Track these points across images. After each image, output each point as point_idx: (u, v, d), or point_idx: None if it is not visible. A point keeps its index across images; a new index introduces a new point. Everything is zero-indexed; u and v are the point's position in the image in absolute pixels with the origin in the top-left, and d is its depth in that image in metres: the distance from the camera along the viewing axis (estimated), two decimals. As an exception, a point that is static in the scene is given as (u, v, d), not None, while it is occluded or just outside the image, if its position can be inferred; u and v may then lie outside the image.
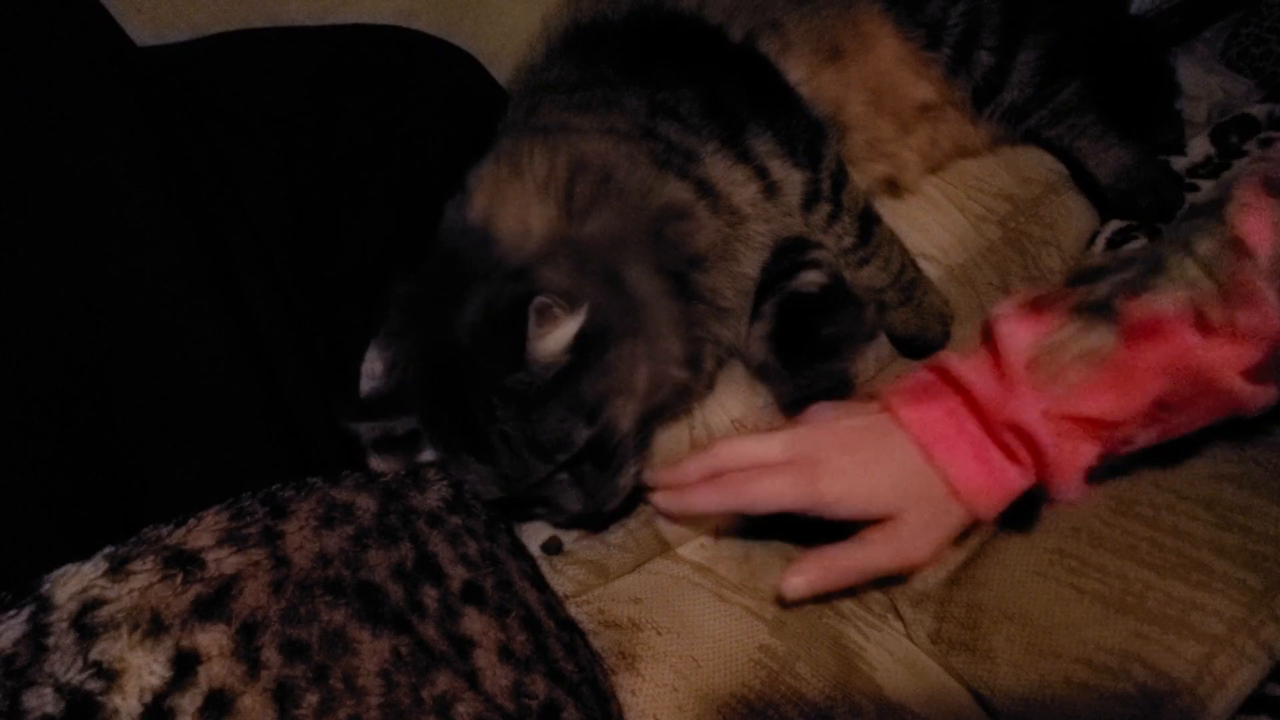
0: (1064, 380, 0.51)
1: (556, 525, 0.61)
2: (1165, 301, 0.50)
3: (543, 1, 0.78)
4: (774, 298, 0.66)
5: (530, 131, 0.63)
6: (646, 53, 0.68)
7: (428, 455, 0.58)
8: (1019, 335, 0.52)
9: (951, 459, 0.53)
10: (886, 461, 0.53)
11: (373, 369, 0.61)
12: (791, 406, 0.64)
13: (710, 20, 0.70)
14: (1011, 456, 0.53)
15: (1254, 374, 0.50)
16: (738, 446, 0.56)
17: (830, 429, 0.55)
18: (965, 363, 0.54)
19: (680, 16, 0.71)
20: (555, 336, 0.50)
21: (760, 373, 0.67)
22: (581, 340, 0.51)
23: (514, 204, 0.58)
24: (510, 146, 0.62)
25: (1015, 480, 0.53)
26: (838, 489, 0.53)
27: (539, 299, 0.49)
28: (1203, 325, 0.49)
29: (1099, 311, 0.51)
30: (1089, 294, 0.52)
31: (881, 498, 0.53)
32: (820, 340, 0.61)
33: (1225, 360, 0.49)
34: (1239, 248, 0.49)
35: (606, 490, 0.55)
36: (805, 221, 0.67)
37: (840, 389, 0.63)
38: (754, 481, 0.54)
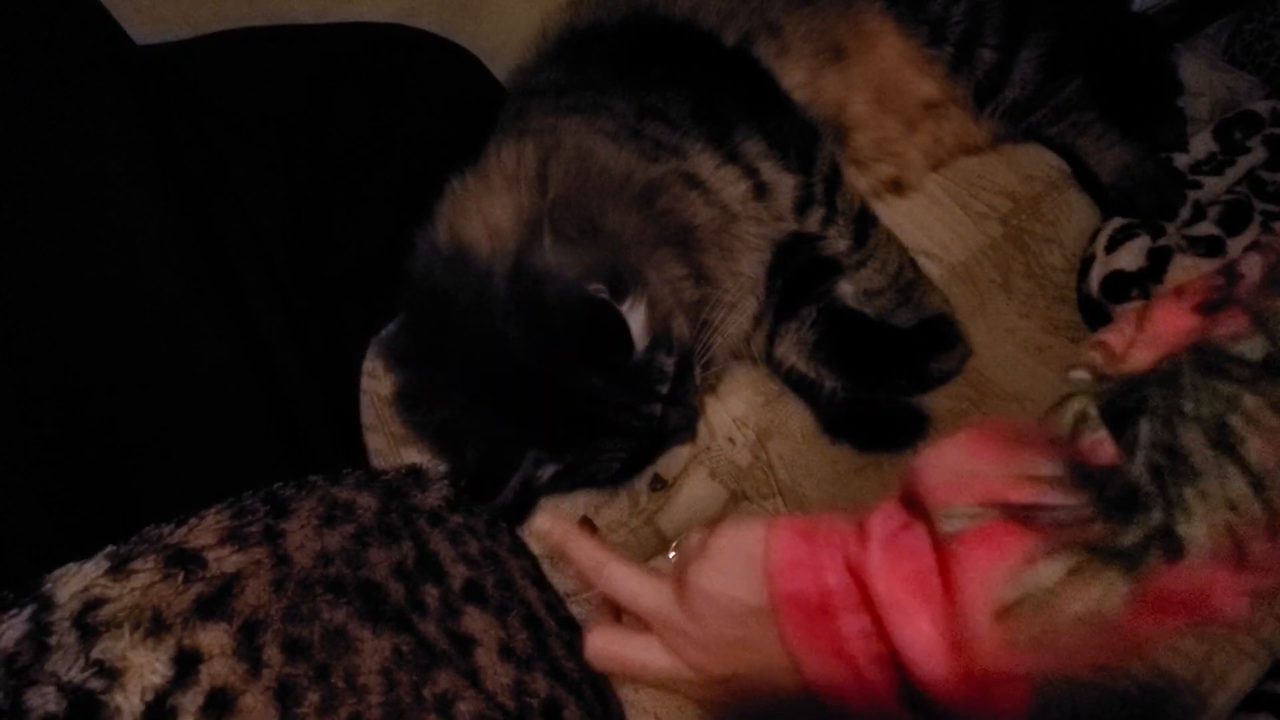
0: (1055, 648, 0.36)
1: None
2: (1203, 546, 0.34)
3: (543, 1, 0.78)
4: (815, 304, 0.66)
5: (515, 135, 0.63)
6: (637, 57, 0.68)
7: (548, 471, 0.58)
8: (987, 559, 0.35)
9: (824, 683, 0.39)
10: (750, 663, 0.42)
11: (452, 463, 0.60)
12: (834, 427, 0.65)
13: (703, 25, 0.70)
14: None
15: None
16: (617, 576, 0.45)
17: (701, 627, 0.42)
18: (900, 599, 0.37)
19: (673, 22, 0.71)
20: (634, 314, 0.53)
21: (795, 383, 0.67)
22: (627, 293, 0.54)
23: (476, 211, 0.58)
24: (487, 152, 0.63)
25: (896, 709, 0.39)
26: (698, 693, 0.44)
27: (594, 290, 0.51)
28: (1238, 563, 0.35)
29: (1116, 560, 0.35)
30: (1113, 535, 0.35)
31: (735, 687, 0.44)
32: (923, 373, 0.59)
33: (1239, 594, 0.35)
34: None
35: (693, 391, 0.59)
36: (800, 225, 0.67)
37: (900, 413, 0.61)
38: (624, 651, 0.45)
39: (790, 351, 0.66)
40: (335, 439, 0.63)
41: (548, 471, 0.57)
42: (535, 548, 0.60)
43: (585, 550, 0.46)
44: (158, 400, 0.53)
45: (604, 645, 0.45)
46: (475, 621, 0.48)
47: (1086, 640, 0.36)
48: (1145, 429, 0.35)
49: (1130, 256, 0.72)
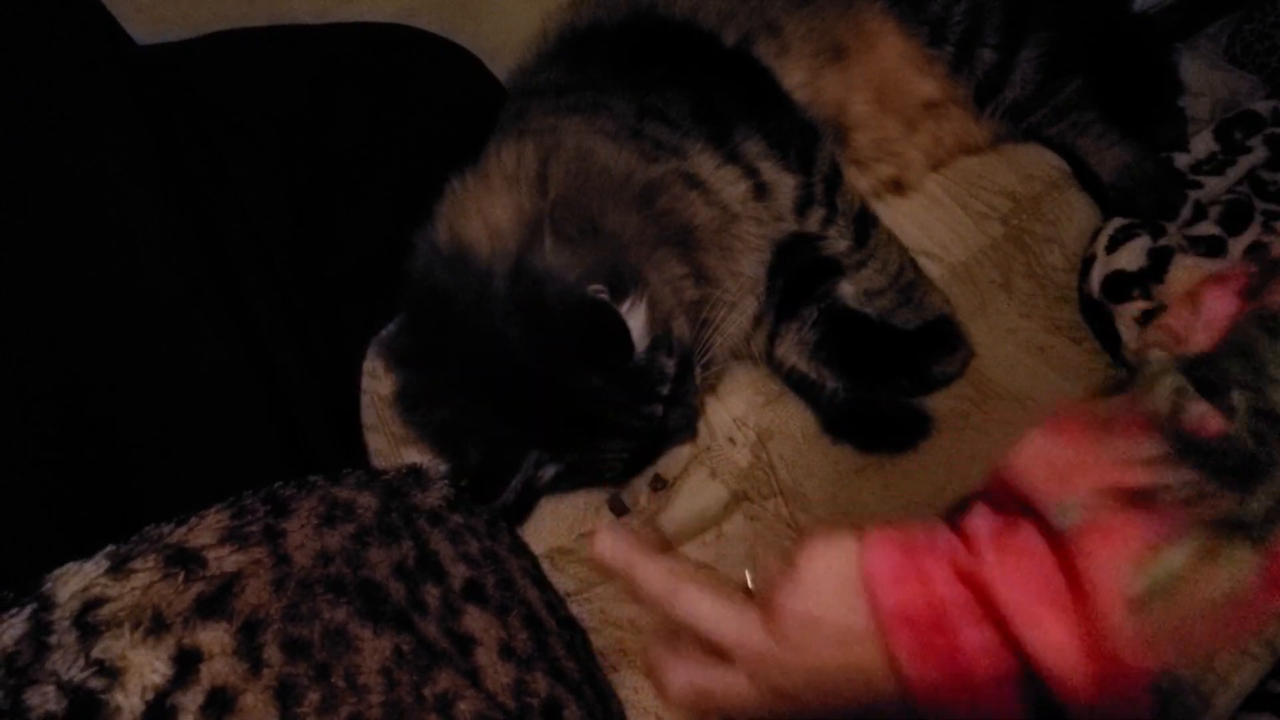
0: (1191, 638, 0.34)
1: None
2: None
3: (543, 1, 0.78)
4: (816, 304, 0.66)
5: (515, 135, 0.63)
6: (638, 58, 0.68)
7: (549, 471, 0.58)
8: (1112, 550, 0.33)
9: (935, 706, 0.37)
10: (850, 693, 0.39)
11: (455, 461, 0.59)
12: (835, 428, 0.65)
13: (703, 25, 0.70)
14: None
15: None
16: (697, 604, 0.42)
17: (796, 656, 0.39)
18: (1030, 605, 0.34)
19: (673, 22, 0.71)
20: (634, 315, 0.53)
21: (795, 383, 0.67)
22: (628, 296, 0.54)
23: (476, 211, 0.58)
24: (487, 152, 0.63)
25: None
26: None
27: (594, 291, 0.51)
28: None
29: (1243, 531, 0.33)
30: (1239, 504, 0.34)
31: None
32: (925, 376, 0.59)
33: None
34: None
35: (694, 392, 0.59)
36: (800, 226, 0.67)
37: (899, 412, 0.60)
38: (707, 684, 0.42)
39: (791, 352, 0.66)
40: (335, 439, 0.63)
41: (549, 472, 0.57)
42: (536, 547, 0.61)
43: (655, 574, 0.42)
44: (158, 400, 0.53)
45: (688, 681, 0.42)
46: (476, 621, 0.48)
47: (1219, 625, 0.34)
48: (1239, 398, 0.34)
49: (1131, 256, 0.72)
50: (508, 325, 0.53)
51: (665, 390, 0.56)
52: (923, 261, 0.73)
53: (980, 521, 0.37)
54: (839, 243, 0.68)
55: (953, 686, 0.36)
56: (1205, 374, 0.36)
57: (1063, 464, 0.36)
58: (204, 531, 0.43)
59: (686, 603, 0.42)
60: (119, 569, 0.40)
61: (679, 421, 0.59)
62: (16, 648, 0.37)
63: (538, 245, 0.54)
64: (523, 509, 0.61)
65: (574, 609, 0.58)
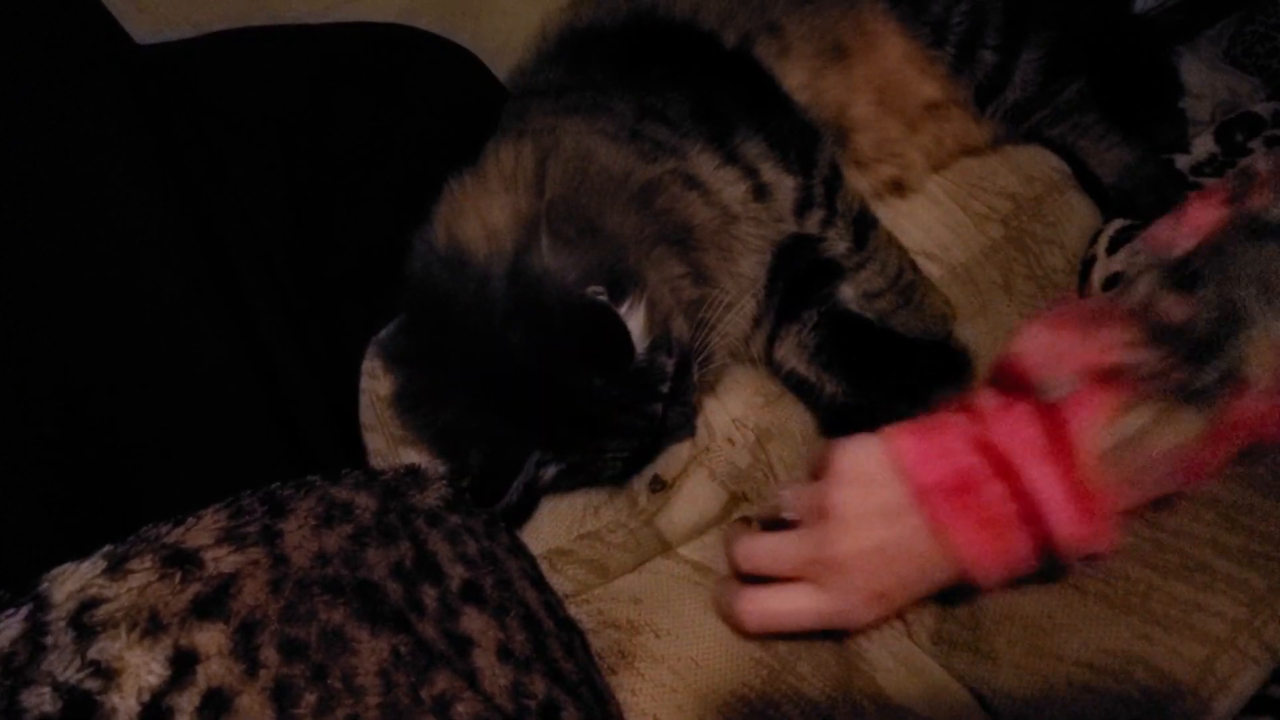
0: (1145, 482, 0.44)
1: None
2: (1262, 378, 0.41)
3: (543, 1, 0.78)
4: (817, 307, 0.66)
5: (514, 136, 0.63)
6: (637, 58, 0.68)
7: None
8: (1089, 415, 0.42)
9: (976, 554, 0.46)
10: (905, 564, 0.47)
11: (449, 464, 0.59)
12: (834, 429, 0.65)
13: (703, 26, 0.70)
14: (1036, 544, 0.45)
15: None
16: (751, 548, 0.51)
17: (853, 539, 0.47)
18: (1031, 459, 0.43)
19: (673, 23, 0.71)
20: (634, 316, 0.53)
21: (795, 385, 0.67)
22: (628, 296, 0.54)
23: (474, 211, 0.58)
24: (485, 153, 0.62)
25: (1031, 563, 0.47)
26: (859, 616, 0.50)
27: (592, 292, 0.51)
28: None
29: (1194, 399, 0.42)
30: (1191, 378, 0.42)
31: (891, 597, 0.50)
32: (925, 400, 0.58)
33: None
34: None
35: (692, 390, 0.59)
36: (799, 227, 0.67)
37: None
38: (775, 603, 0.50)
39: (791, 354, 0.66)
40: (335, 439, 0.63)
41: (550, 472, 0.57)
42: (534, 548, 0.60)
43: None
44: (158, 400, 0.53)
45: (759, 608, 0.49)
46: (473, 622, 0.48)
47: (1168, 472, 0.44)
48: (1206, 293, 0.42)
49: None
50: (506, 327, 0.53)
51: (665, 389, 0.56)
52: (923, 263, 0.73)
53: (985, 400, 0.46)
54: (838, 244, 0.68)
55: (983, 533, 0.44)
56: (1182, 271, 0.44)
57: (1055, 350, 0.44)
58: (201, 532, 0.43)
59: (746, 553, 0.51)
60: (116, 569, 0.40)
61: (677, 420, 0.59)
62: (12, 648, 0.37)
63: (535, 246, 0.54)
64: (524, 510, 0.61)
65: (572, 610, 0.58)
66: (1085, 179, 0.82)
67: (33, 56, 0.52)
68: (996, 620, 0.57)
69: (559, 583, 0.60)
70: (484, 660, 0.46)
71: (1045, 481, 0.42)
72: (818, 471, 0.51)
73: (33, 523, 0.47)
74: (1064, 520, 0.42)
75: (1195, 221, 0.46)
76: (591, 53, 0.71)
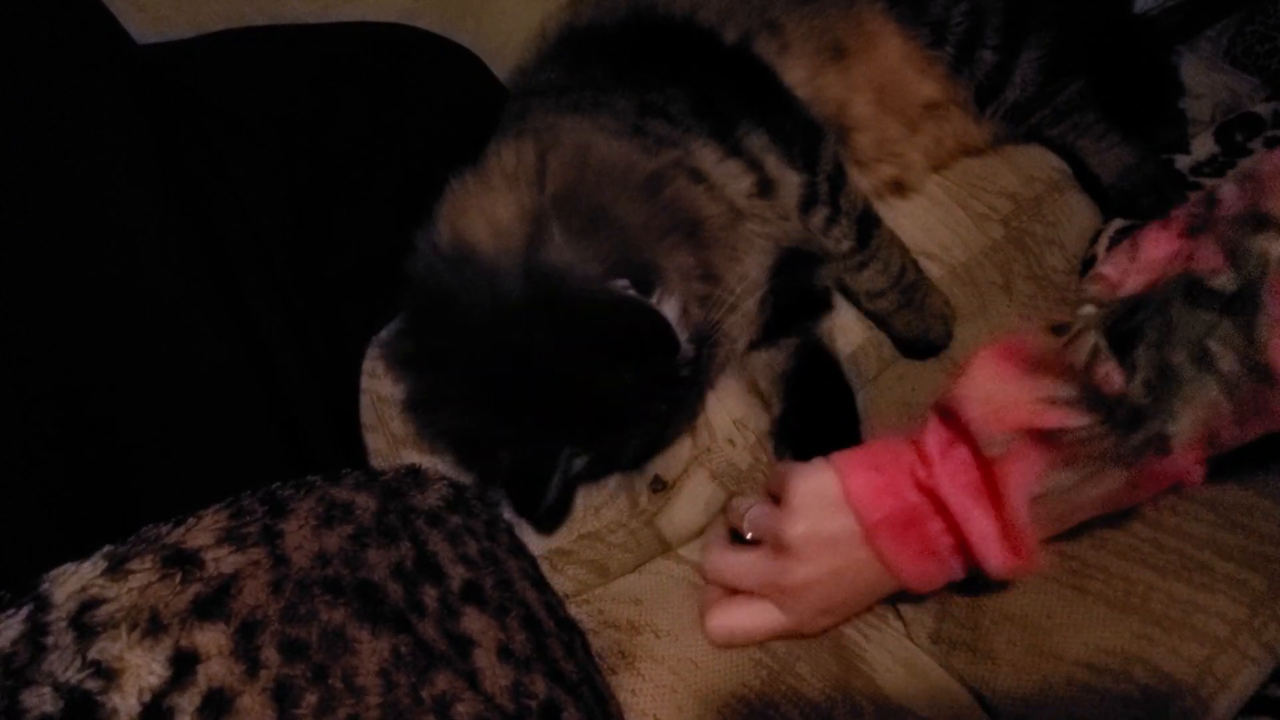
0: (1067, 520, 0.50)
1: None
2: (1185, 440, 0.44)
3: (544, 1, 0.78)
4: (800, 336, 0.67)
5: (515, 134, 0.63)
6: (638, 56, 0.68)
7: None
8: (1022, 471, 0.46)
9: (917, 577, 0.52)
10: (854, 586, 0.53)
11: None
12: (781, 439, 0.66)
13: (703, 24, 0.70)
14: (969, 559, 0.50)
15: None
16: (718, 564, 0.57)
17: (808, 569, 0.52)
18: (967, 502, 0.48)
19: (673, 21, 0.71)
20: (668, 309, 0.54)
21: (757, 394, 0.67)
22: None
23: (476, 209, 0.57)
24: (486, 152, 0.62)
25: (962, 576, 0.52)
26: (811, 627, 0.56)
27: (621, 286, 0.51)
28: (1212, 445, 0.45)
29: (1119, 461, 0.46)
30: (1119, 445, 0.45)
31: (841, 611, 0.56)
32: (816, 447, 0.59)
33: (1202, 464, 0.47)
34: (1268, 374, 0.43)
35: (705, 375, 0.60)
36: (804, 225, 0.67)
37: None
38: (737, 620, 0.55)
39: (758, 367, 0.68)
40: (335, 439, 0.63)
41: (579, 465, 0.57)
42: (534, 548, 0.60)
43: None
44: (158, 400, 0.53)
45: (722, 621, 0.55)
46: (474, 622, 0.48)
47: (1090, 512, 0.50)
48: (1143, 354, 0.45)
49: (1131, 258, 0.72)
50: (522, 324, 0.52)
51: (687, 372, 0.56)
52: (923, 263, 0.73)
53: (931, 440, 0.50)
54: (842, 243, 0.68)
55: (926, 561, 0.50)
56: (1122, 326, 0.46)
57: (995, 401, 0.47)
58: (202, 532, 0.43)
59: (713, 564, 0.57)
60: (116, 570, 0.40)
61: (689, 403, 0.60)
62: (13, 649, 0.37)
63: (546, 240, 0.54)
64: (562, 508, 0.61)
65: (573, 610, 0.58)
66: (1085, 179, 0.82)
67: (33, 56, 0.52)
68: (996, 620, 0.57)
69: (559, 583, 0.60)
70: (485, 660, 0.46)
71: (978, 523, 0.47)
72: (775, 489, 0.55)
73: (33, 523, 0.47)
74: (994, 553, 0.48)
75: (1149, 256, 0.48)
76: (591, 51, 0.71)
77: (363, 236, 0.69)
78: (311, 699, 0.39)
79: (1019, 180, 0.80)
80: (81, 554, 0.41)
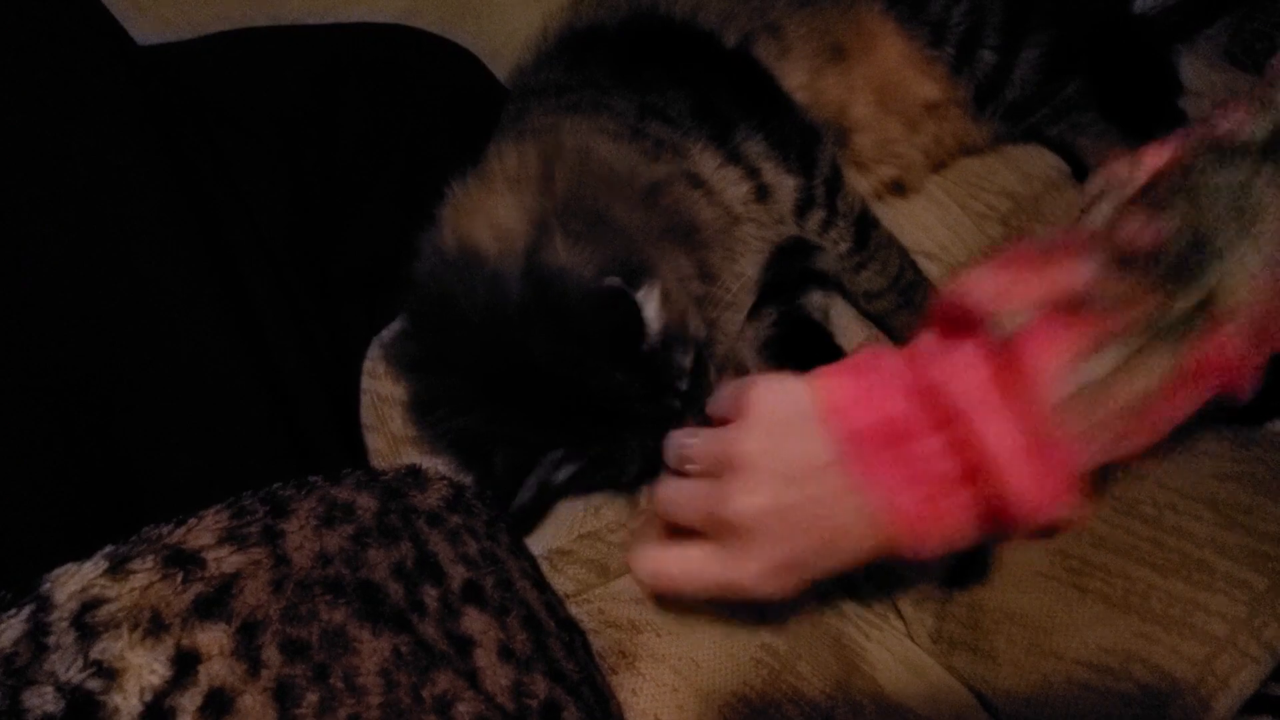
0: (1101, 439, 0.37)
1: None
2: (1240, 303, 0.36)
3: (544, 1, 0.78)
4: (779, 306, 0.66)
5: (516, 136, 0.63)
6: (638, 57, 0.68)
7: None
8: (1049, 354, 0.36)
9: (904, 518, 0.38)
10: (817, 530, 0.39)
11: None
12: None
13: (703, 26, 0.70)
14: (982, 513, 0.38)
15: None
16: (657, 492, 0.46)
17: (756, 496, 0.39)
18: (979, 405, 0.36)
19: (674, 22, 0.71)
20: (648, 301, 0.53)
21: (735, 370, 0.67)
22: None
23: (480, 212, 0.58)
24: (488, 153, 0.62)
25: (969, 534, 0.39)
26: (762, 588, 0.41)
27: (609, 283, 0.51)
28: (1260, 344, 0.37)
29: (1166, 334, 0.36)
30: (1164, 309, 0.36)
31: (800, 568, 0.41)
32: None
33: (1253, 369, 0.38)
34: None
35: (709, 389, 0.58)
36: (800, 228, 0.67)
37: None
38: (667, 560, 0.43)
39: (741, 342, 0.67)
40: (336, 439, 0.63)
41: (565, 473, 0.57)
42: (535, 548, 0.60)
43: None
44: (159, 400, 0.53)
45: (649, 562, 0.42)
46: (474, 622, 0.48)
47: (1133, 422, 0.37)
48: (1173, 220, 0.36)
49: (1131, 257, 0.72)
50: (523, 325, 0.53)
51: (684, 385, 0.56)
52: (923, 262, 0.73)
53: (925, 344, 0.39)
54: (839, 245, 0.68)
55: (914, 495, 0.36)
56: (1146, 195, 0.38)
57: (1006, 285, 0.38)
58: (203, 532, 0.43)
59: (655, 495, 0.43)
60: (117, 570, 0.40)
61: (690, 412, 0.59)
62: (15, 648, 0.37)
63: (548, 244, 0.54)
64: (536, 513, 0.61)
65: (573, 610, 0.58)
66: (1084, 178, 0.82)
67: (35, 57, 0.52)
68: (996, 619, 0.58)
69: (560, 582, 0.60)
70: (485, 660, 0.46)
71: (996, 432, 0.35)
72: (727, 408, 0.43)
73: (33, 523, 0.47)
74: (1020, 477, 0.35)
75: (1154, 165, 0.41)
76: (592, 52, 0.71)
77: (366, 236, 0.69)
78: (312, 699, 0.39)
79: (1018, 179, 0.80)
80: (83, 554, 0.41)
